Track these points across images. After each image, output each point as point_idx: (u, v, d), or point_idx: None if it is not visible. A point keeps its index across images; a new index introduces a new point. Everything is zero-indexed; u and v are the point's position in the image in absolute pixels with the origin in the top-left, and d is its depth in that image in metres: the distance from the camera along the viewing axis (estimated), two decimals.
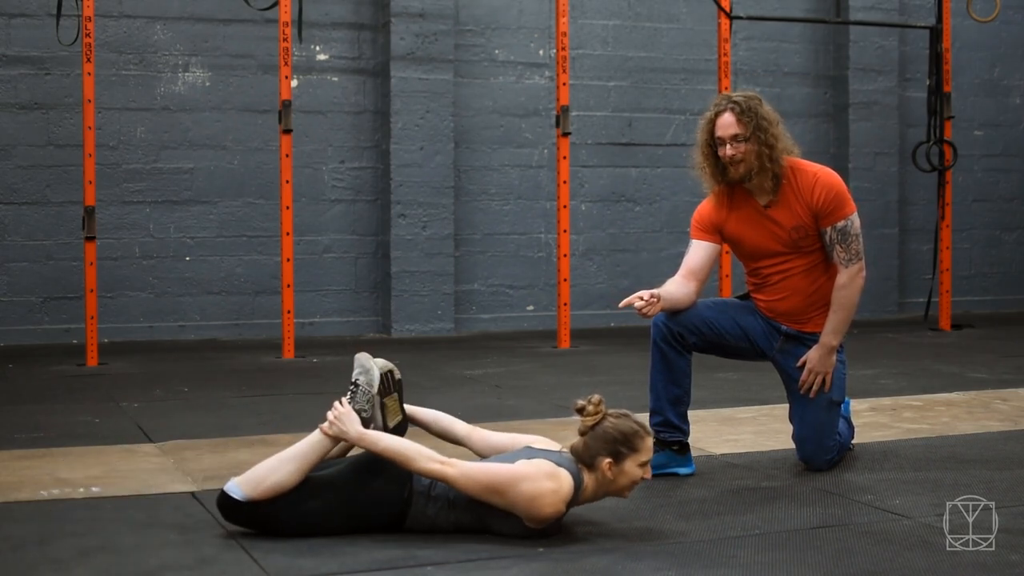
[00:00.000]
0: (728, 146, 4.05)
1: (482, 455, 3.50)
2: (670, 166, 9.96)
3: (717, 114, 4.11)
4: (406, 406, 3.52)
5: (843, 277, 4.08)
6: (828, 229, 4.07)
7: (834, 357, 4.10)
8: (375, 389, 3.36)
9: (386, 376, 3.40)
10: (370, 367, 3.38)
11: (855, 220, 4.09)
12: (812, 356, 4.10)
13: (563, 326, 8.27)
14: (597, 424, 3.28)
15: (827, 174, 4.12)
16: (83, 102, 7.56)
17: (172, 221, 8.95)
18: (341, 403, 3.30)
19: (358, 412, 3.32)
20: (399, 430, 3.42)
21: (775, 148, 4.05)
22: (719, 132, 4.08)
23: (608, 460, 3.24)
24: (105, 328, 8.42)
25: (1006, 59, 11.08)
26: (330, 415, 3.29)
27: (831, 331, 4.08)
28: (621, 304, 3.97)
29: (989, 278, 11.16)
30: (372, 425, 3.34)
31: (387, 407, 3.39)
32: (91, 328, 7.45)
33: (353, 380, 3.37)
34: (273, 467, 3.25)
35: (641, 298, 3.90)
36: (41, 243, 8.69)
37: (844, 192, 4.10)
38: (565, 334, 8.26)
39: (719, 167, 4.12)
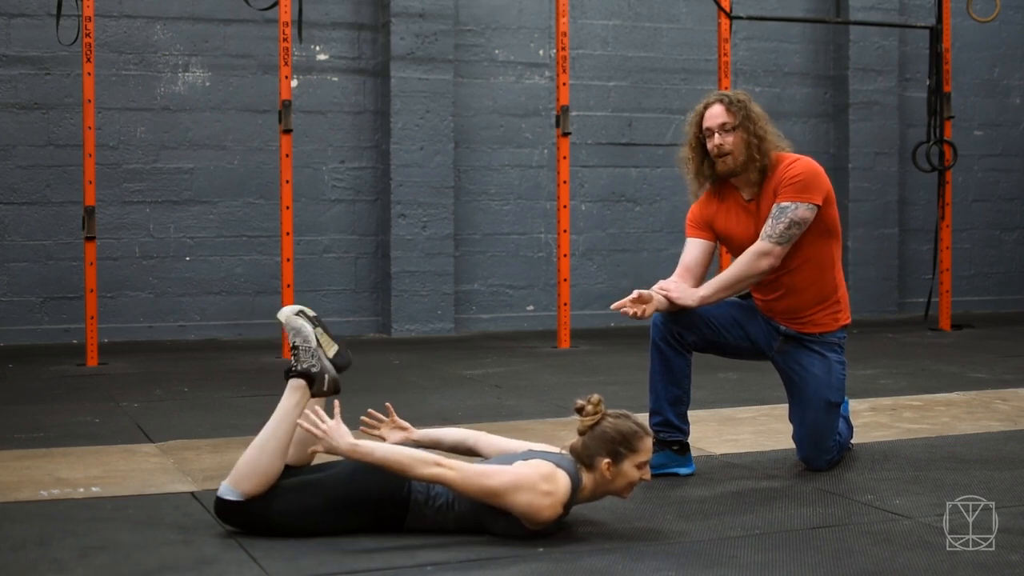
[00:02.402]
0: (716, 135, 4.04)
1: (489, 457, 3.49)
2: (670, 166, 9.94)
3: (706, 106, 4.12)
4: (418, 431, 3.62)
5: (752, 247, 4.01)
6: (774, 205, 4.00)
7: (693, 298, 4.01)
8: (314, 343, 3.40)
9: (307, 320, 3.44)
10: (299, 326, 3.41)
11: (802, 210, 3.96)
12: (671, 285, 4.01)
13: (563, 326, 8.27)
14: (596, 424, 3.28)
15: (806, 162, 4.06)
16: (83, 102, 7.56)
17: (172, 221, 8.95)
18: (322, 419, 3.21)
19: (307, 370, 3.36)
20: (341, 358, 3.45)
21: (764, 140, 4.05)
22: (707, 123, 4.07)
23: (607, 460, 3.23)
24: (105, 328, 8.43)
25: (1006, 59, 11.08)
26: (315, 432, 3.19)
27: (708, 283, 4.03)
28: (612, 306, 3.95)
29: (989, 278, 11.16)
30: (326, 375, 3.37)
31: (321, 345, 3.43)
32: (91, 328, 7.45)
33: (292, 345, 3.40)
34: (253, 456, 3.24)
35: (633, 302, 3.90)
36: (41, 243, 8.69)
37: (812, 180, 3.99)
38: (565, 334, 8.26)
39: (706, 162, 4.12)
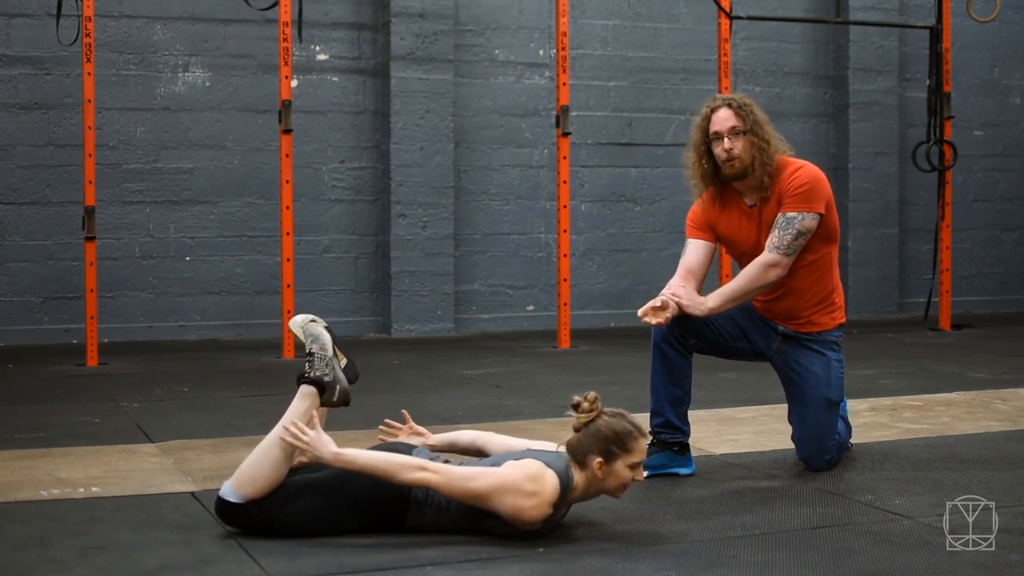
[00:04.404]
0: (725, 139, 4.03)
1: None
2: (670, 166, 9.95)
3: (713, 110, 4.09)
4: (434, 436, 3.65)
5: (759, 258, 4.01)
6: (780, 215, 4.00)
7: (701, 309, 4.01)
8: (330, 352, 3.41)
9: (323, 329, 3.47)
10: (317, 333, 3.42)
11: (808, 219, 3.97)
12: (682, 292, 4.00)
13: (563, 326, 8.27)
14: (591, 421, 3.26)
15: (810, 169, 4.06)
16: (83, 102, 7.56)
17: (172, 221, 8.95)
18: (303, 430, 3.20)
19: (320, 378, 3.36)
20: (351, 370, 3.46)
21: (770, 145, 4.04)
22: (716, 127, 4.06)
23: (599, 459, 3.21)
24: (105, 328, 8.43)
25: (1006, 59, 11.08)
26: (298, 444, 3.19)
27: (716, 294, 4.03)
28: (638, 313, 3.95)
29: (989, 278, 11.16)
30: (338, 385, 3.38)
31: (336, 355, 3.45)
32: (91, 328, 7.45)
33: (308, 351, 3.41)
34: (258, 461, 3.24)
35: (655, 310, 3.90)
36: (41, 243, 8.69)
37: (816, 189, 4.00)
38: (565, 334, 8.26)
39: (712, 166, 4.11)
